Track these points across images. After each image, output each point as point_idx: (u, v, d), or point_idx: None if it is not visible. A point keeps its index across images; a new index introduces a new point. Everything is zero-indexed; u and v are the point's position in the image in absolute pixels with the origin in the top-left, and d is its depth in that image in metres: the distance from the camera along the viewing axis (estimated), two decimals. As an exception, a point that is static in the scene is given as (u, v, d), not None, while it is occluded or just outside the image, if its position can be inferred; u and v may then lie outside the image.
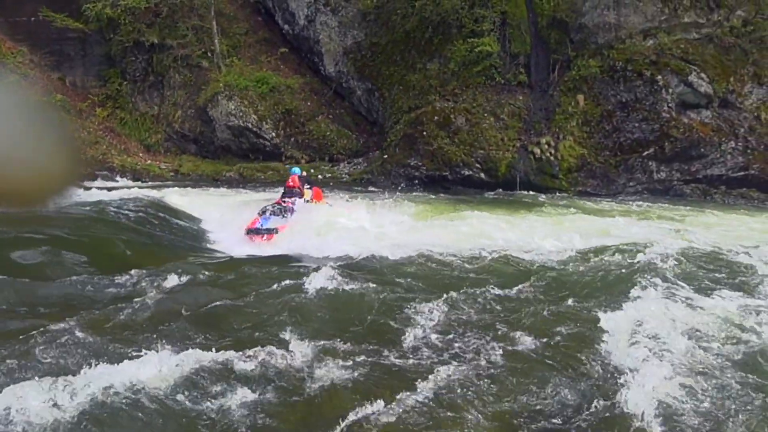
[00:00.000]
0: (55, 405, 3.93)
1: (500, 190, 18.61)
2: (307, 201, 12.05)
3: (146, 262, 8.17)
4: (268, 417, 4.17)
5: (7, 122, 1.60)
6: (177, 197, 14.47)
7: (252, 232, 10.37)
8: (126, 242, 9.27)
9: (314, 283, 6.81)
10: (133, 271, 7.43)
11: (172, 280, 7.15)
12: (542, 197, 17.26)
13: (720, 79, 17.99)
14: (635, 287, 6.77)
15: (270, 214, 11.07)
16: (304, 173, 13.52)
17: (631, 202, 16.39)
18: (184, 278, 7.22)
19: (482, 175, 19.06)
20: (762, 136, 17.65)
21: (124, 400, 4.10)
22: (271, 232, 10.31)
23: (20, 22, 22.98)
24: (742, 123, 17.82)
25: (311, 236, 9.87)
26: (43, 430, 3.73)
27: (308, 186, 13.74)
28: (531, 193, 18.04)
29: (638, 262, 7.94)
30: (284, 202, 11.60)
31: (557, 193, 17.97)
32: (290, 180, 12.45)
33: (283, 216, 11.06)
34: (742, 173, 17.45)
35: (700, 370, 4.79)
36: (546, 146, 18.53)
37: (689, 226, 12.15)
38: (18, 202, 1.76)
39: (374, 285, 6.97)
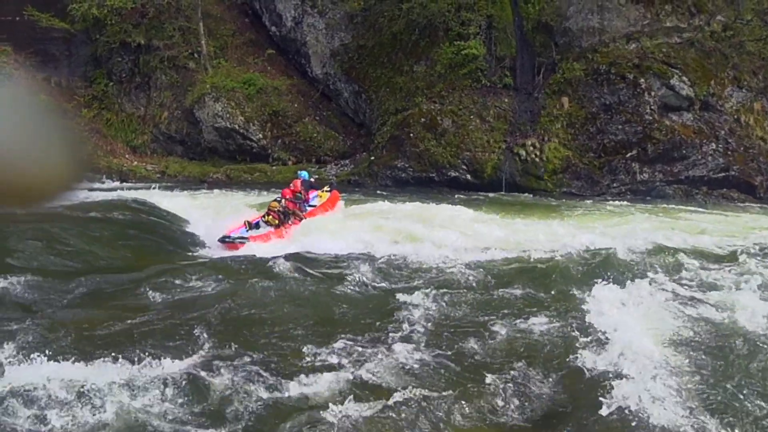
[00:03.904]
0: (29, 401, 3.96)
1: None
2: (299, 215, 11.65)
3: (129, 264, 8.23)
4: (251, 419, 4.19)
5: (4, 120, 1.64)
6: (163, 199, 14.42)
7: (225, 239, 10.26)
8: (109, 244, 9.26)
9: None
10: (115, 274, 7.48)
11: (158, 283, 7.15)
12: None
13: (701, 83, 18.33)
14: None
15: (252, 227, 10.95)
16: (312, 178, 13.28)
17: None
18: (171, 281, 7.22)
19: (468, 176, 19.23)
20: (742, 138, 18.02)
21: (100, 399, 4.13)
22: (235, 241, 10.20)
23: (4, 22, 22.77)
24: (722, 125, 18.17)
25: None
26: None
27: (328, 189, 13.72)
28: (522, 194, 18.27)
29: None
30: (280, 208, 11.43)
31: (543, 194, 18.20)
32: (292, 184, 12.41)
33: (264, 228, 10.98)
34: (722, 174, 17.79)
35: (686, 367, 4.87)
36: (531, 148, 18.74)
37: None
38: (14, 201, 1.80)
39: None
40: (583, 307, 6.11)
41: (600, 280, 6.85)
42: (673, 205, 16.46)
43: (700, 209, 15.73)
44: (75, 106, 23.27)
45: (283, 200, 11.50)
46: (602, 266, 7.79)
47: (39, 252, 7.99)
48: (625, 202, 16.70)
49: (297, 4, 23.51)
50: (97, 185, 18.94)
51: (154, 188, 16.64)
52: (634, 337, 5.20)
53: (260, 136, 22.32)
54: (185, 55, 23.38)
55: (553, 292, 6.91)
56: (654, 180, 18.09)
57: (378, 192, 18.42)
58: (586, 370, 4.80)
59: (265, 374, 4.71)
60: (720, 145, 17.95)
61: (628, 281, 7.02)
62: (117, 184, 20.39)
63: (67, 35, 23.38)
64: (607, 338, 5.21)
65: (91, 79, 24.10)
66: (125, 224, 10.91)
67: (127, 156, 23.02)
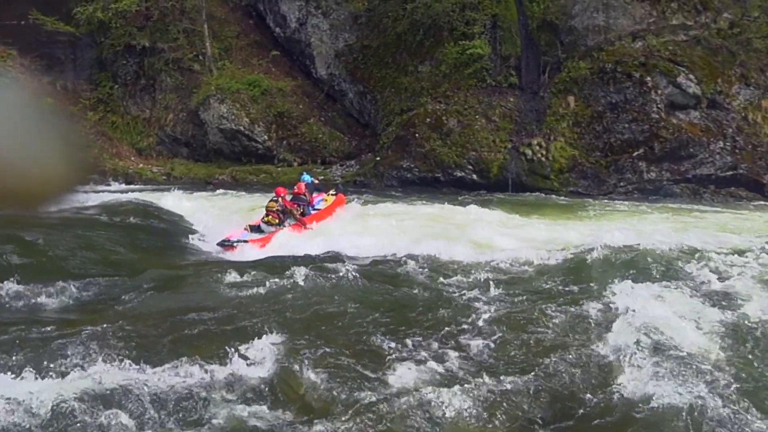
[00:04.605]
0: (37, 403, 3.96)
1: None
2: (296, 215, 11.39)
3: (139, 266, 8.23)
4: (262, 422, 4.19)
5: (10, 124, 1.63)
6: (169, 201, 14.44)
7: (224, 243, 10.08)
8: (116, 246, 9.28)
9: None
10: (125, 276, 7.48)
11: (168, 285, 7.15)
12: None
13: (708, 80, 18.21)
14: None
15: (254, 230, 10.82)
16: (316, 181, 13.49)
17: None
18: (182, 282, 7.23)
19: (474, 176, 19.17)
20: (749, 136, 17.88)
21: (116, 401, 4.12)
22: (234, 244, 10.00)
23: (9, 25, 22.81)
24: (730, 123, 18.04)
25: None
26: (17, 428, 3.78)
27: (333, 192, 13.72)
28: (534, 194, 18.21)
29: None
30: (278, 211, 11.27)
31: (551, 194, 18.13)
32: (296, 186, 12.44)
33: (265, 230, 10.85)
34: (730, 173, 17.67)
35: (697, 364, 4.89)
36: (537, 147, 18.67)
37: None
38: (19, 203, 1.80)
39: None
40: (626, 302, 6.20)
41: (638, 276, 7.05)
42: (687, 205, 16.29)
43: (723, 209, 15.54)
44: (80, 109, 23.35)
45: (279, 198, 11.28)
46: (638, 263, 7.90)
47: (80, 256, 8.08)
48: (633, 202, 16.60)
49: (301, 5, 23.51)
50: (101, 188, 18.98)
51: (174, 190, 16.48)
52: (674, 332, 5.32)
53: (265, 137, 22.32)
54: (190, 57, 23.41)
55: (596, 287, 7.00)
56: (661, 179, 17.99)
57: (391, 193, 18.39)
58: (636, 365, 4.89)
59: (350, 370, 4.82)
60: (728, 144, 17.83)
61: (666, 277, 7.25)
62: (123, 186, 20.45)
63: (72, 38, 23.44)
64: (649, 333, 5.30)
65: (97, 82, 24.18)
66: (128, 226, 10.94)
67: (132, 158, 23.08)
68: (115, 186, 20.19)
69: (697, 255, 8.32)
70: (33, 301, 6.57)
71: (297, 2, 23.57)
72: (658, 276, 7.38)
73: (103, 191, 16.54)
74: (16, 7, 22.80)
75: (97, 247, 8.87)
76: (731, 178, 17.69)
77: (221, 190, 18.97)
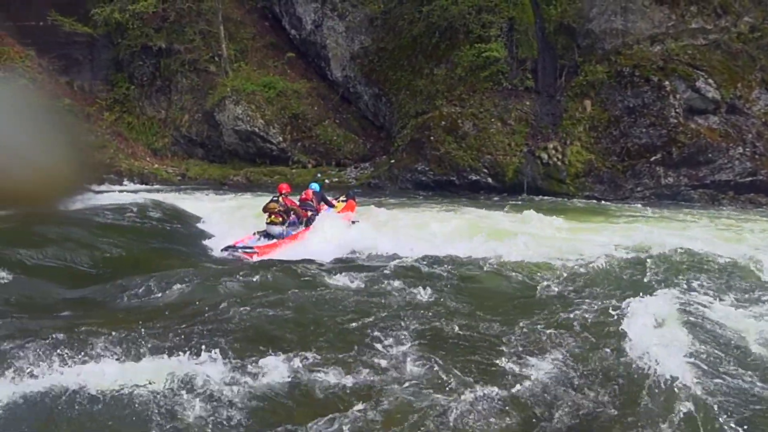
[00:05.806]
0: (51, 403, 3.96)
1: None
2: (299, 214, 11.33)
3: (152, 266, 8.27)
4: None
5: (17, 125, 1.63)
6: (185, 201, 14.47)
7: (228, 249, 9.95)
8: (131, 246, 9.35)
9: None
10: (138, 275, 7.50)
11: (180, 285, 7.13)
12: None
13: (727, 85, 18.04)
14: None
15: (261, 236, 10.70)
16: (327, 180, 13.64)
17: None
18: (195, 283, 7.21)
19: (489, 180, 19.08)
20: (770, 142, 17.69)
21: (125, 400, 4.11)
22: (238, 250, 9.87)
23: (28, 26, 23.07)
24: (749, 128, 17.85)
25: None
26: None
27: (343, 199, 13.72)
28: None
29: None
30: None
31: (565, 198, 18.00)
32: (303, 193, 12.41)
33: (274, 235, 10.69)
34: (749, 178, 17.48)
35: (716, 371, 4.85)
36: (553, 151, 18.56)
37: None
38: (27, 202, 1.80)
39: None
40: (698, 305, 6.28)
41: (705, 280, 7.31)
42: (714, 210, 16.04)
43: (755, 216, 15.30)
44: (97, 109, 23.57)
45: (280, 197, 11.05)
46: (702, 267, 8.01)
47: (52, 253, 8.09)
48: (652, 207, 16.39)
49: (317, 8, 23.56)
50: (117, 187, 19.08)
51: (207, 193, 16.40)
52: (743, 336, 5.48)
53: (280, 138, 22.37)
54: (206, 59, 23.52)
55: (667, 290, 6.95)
56: (679, 184, 17.82)
57: (408, 196, 18.33)
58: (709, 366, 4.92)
59: (472, 364, 5.00)
60: (747, 149, 17.64)
61: (731, 279, 7.52)
62: (138, 186, 20.55)
63: (90, 39, 23.62)
64: (715, 336, 5.45)
65: (113, 82, 24.34)
66: (143, 226, 10.97)
67: (148, 159, 23.21)
68: (131, 186, 20.28)
69: (757, 259, 8.33)
70: (111, 298, 6.78)
71: (313, 4, 23.63)
72: (725, 279, 7.50)
73: (121, 191, 16.61)
74: (35, 8, 23.04)
75: (133, 249, 9.02)
76: (750, 184, 17.50)
77: (248, 194, 18.83)
